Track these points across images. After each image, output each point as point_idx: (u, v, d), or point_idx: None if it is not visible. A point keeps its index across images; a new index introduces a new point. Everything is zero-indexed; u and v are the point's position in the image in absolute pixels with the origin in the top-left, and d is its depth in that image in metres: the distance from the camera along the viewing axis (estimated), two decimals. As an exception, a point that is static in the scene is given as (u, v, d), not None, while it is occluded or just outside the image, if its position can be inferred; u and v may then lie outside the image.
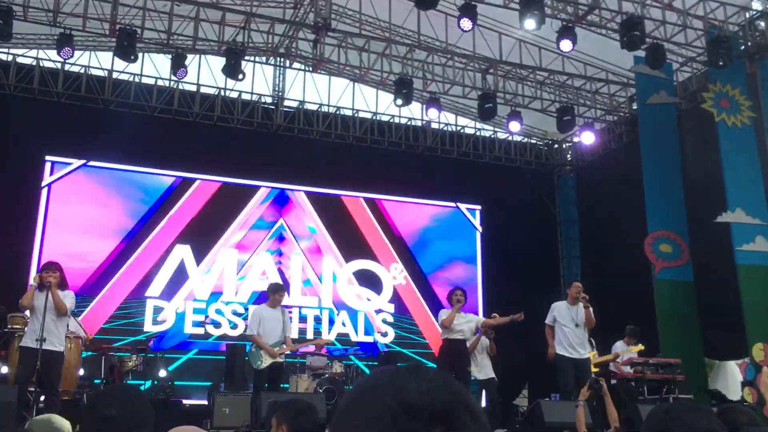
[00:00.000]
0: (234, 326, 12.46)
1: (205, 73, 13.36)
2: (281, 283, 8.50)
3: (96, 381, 9.22)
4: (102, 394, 2.05)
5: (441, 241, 14.36)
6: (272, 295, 8.21)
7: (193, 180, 12.96)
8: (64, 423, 2.96)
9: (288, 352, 8.39)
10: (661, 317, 11.15)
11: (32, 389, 7.11)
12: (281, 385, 8.85)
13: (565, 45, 10.86)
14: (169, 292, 12.30)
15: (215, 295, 12.59)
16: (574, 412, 6.33)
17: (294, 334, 12.38)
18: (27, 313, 7.50)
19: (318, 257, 13.42)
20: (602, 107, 14.35)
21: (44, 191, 11.99)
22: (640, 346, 9.72)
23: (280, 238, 13.32)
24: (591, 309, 8.23)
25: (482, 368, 9.32)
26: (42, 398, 7.39)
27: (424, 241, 14.22)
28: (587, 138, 13.85)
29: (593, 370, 8.94)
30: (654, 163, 11.91)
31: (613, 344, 9.93)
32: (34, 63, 12.46)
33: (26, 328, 7.25)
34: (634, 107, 13.50)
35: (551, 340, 8.26)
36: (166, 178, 12.80)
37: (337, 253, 13.55)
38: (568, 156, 16.24)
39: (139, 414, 1.91)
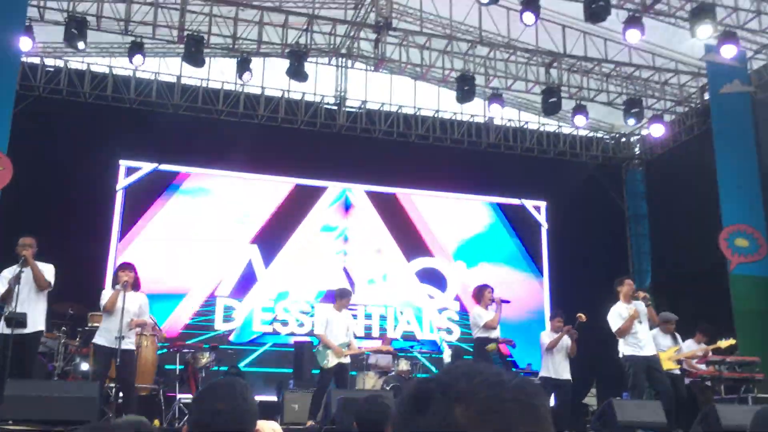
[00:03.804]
0: (301, 324, 12.64)
1: (269, 76, 13.59)
2: (349, 288, 8.72)
3: (171, 369, 9.51)
4: (211, 388, 2.11)
5: (505, 237, 14.20)
6: (339, 299, 8.41)
7: (260, 181, 13.20)
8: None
9: (352, 353, 8.59)
10: (738, 314, 10.78)
11: (111, 385, 7.38)
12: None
13: (632, 36, 10.59)
14: (239, 291, 12.57)
15: (282, 294, 12.80)
16: (648, 411, 6.18)
17: (360, 332, 12.53)
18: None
19: (382, 256, 13.47)
20: (672, 98, 13.92)
21: (119, 194, 12.43)
22: (732, 341, 9.19)
23: (345, 239, 13.44)
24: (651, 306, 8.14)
25: (558, 368, 9.16)
26: (121, 394, 7.68)
27: (486, 239, 14.08)
28: (656, 130, 13.43)
29: (674, 367, 8.70)
30: (728, 154, 11.51)
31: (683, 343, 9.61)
32: (107, 71, 12.92)
33: (99, 326, 7.49)
34: (706, 97, 13.04)
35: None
36: (233, 179, 13.07)
37: (400, 251, 13.57)
38: (637, 150, 15.82)
39: (245, 410, 1.96)
